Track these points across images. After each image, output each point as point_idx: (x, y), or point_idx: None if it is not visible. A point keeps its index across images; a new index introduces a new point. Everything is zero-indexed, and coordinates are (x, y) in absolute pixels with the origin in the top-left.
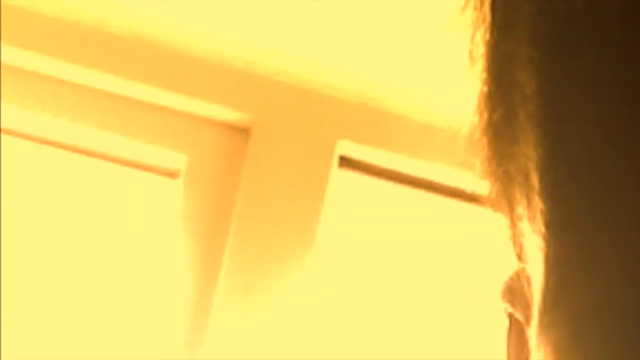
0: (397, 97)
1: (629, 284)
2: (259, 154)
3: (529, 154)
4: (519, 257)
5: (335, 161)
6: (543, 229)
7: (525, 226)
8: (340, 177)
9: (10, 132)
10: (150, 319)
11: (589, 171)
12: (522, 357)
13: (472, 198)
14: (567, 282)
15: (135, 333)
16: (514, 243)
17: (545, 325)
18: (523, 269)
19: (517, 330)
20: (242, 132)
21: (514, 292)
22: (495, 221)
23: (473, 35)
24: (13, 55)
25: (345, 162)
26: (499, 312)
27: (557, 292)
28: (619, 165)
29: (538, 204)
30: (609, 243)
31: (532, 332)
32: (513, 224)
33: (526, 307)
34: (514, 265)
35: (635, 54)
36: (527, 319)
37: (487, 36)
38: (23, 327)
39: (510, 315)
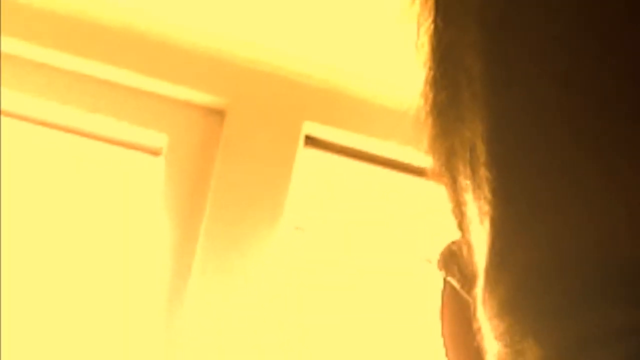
0: (357, 83)
1: (568, 243)
2: (232, 134)
3: (474, 129)
4: (460, 227)
5: (301, 140)
6: (489, 196)
7: (468, 196)
8: (306, 154)
9: (5, 114)
10: (133, 284)
11: (532, 141)
12: (457, 320)
13: (421, 172)
14: (512, 243)
15: (119, 299)
16: (455, 213)
17: (492, 283)
18: (462, 237)
19: (451, 295)
20: (217, 114)
21: (451, 259)
22: (438, 193)
23: (419, 27)
24: (10, 45)
25: (310, 141)
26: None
27: (503, 253)
28: (561, 135)
29: (484, 173)
30: (552, 206)
31: (478, 292)
32: (455, 194)
33: (464, 272)
34: (450, 236)
35: (575, 33)
36: (464, 283)
37: (433, 26)
38: (7, 290)
39: (445, 281)
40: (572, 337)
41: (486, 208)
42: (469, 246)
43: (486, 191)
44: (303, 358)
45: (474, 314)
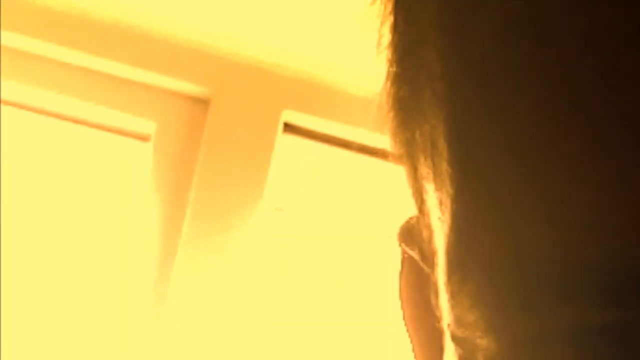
0: (332, 74)
1: (529, 242)
2: (216, 122)
3: (435, 125)
4: (420, 210)
5: (280, 127)
6: (451, 191)
7: (428, 185)
8: (284, 141)
9: (3, 102)
10: (123, 260)
11: (493, 142)
12: (416, 293)
13: (388, 156)
14: (473, 239)
15: (110, 275)
16: (415, 198)
17: (452, 276)
18: (422, 220)
19: (411, 268)
20: (202, 103)
21: (410, 233)
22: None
23: (382, 25)
24: (8, 38)
25: (289, 128)
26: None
27: (464, 248)
28: (520, 136)
29: (446, 168)
30: (513, 206)
31: (439, 275)
32: (416, 181)
33: (422, 249)
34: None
35: (529, 37)
36: (423, 257)
37: (394, 25)
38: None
39: (404, 255)
40: (527, 333)
41: (447, 201)
42: (429, 229)
43: (448, 186)
44: (284, 330)
45: (434, 290)
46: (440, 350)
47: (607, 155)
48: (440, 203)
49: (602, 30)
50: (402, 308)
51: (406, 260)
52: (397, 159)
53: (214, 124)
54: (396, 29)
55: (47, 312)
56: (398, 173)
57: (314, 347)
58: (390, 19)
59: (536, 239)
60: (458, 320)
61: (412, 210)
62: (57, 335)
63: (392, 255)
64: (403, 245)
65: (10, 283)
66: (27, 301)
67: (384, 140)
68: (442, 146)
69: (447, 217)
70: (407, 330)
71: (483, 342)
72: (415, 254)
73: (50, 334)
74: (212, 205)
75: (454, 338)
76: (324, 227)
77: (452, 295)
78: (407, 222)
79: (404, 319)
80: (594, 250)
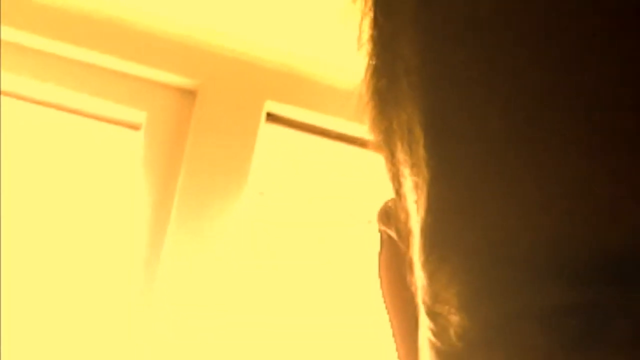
0: (312, 67)
1: (502, 226)
2: (203, 111)
3: (411, 114)
4: (397, 194)
5: (263, 117)
6: (427, 175)
7: (405, 170)
8: (267, 129)
9: (3, 93)
10: (115, 240)
11: (466, 130)
12: (394, 270)
13: (365, 144)
14: (447, 222)
15: (103, 255)
16: (393, 182)
17: (435, 259)
18: (399, 203)
19: (389, 247)
20: (190, 94)
21: (388, 214)
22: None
23: (361, 22)
24: (8, 33)
25: (271, 117)
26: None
27: (438, 231)
28: (492, 125)
29: (422, 154)
30: (486, 191)
31: (414, 255)
32: (393, 167)
33: (399, 229)
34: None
35: (502, 30)
36: (400, 237)
37: (373, 21)
38: None
39: (383, 235)
40: (499, 312)
41: (423, 185)
42: (405, 211)
43: (424, 170)
44: (269, 309)
45: (409, 268)
46: (415, 325)
47: (572, 143)
48: (416, 186)
49: (569, 22)
50: (381, 285)
51: (385, 240)
52: (376, 147)
53: (200, 113)
54: (375, 24)
55: (40, 293)
56: (376, 160)
57: (297, 324)
58: (370, 15)
59: (507, 222)
60: (434, 297)
61: (389, 194)
62: (48, 314)
63: (369, 237)
64: (382, 225)
65: (7, 261)
66: (22, 282)
67: (362, 129)
68: (418, 133)
69: (422, 200)
70: (385, 306)
71: (456, 318)
72: (393, 234)
73: (42, 314)
74: (199, 189)
75: (429, 313)
76: (304, 210)
77: (429, 274)
78: (386, 204)
79: (382, 296)
80: (562, 232)
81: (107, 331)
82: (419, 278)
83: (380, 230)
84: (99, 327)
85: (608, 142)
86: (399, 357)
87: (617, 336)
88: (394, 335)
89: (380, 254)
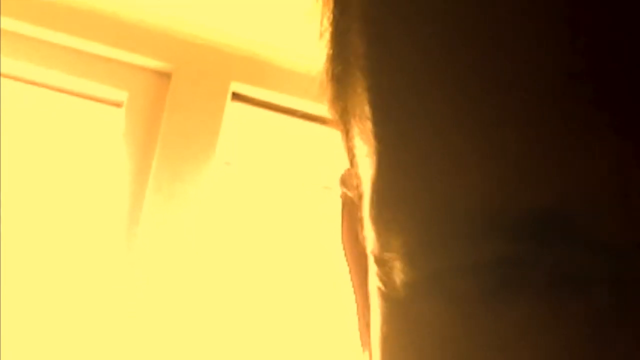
0: (272, 52)
1: (440, 187)
2: (177, 91)
3: (361, 94)
4: (351, 163)
5: (229, 96)
6: (375, 144)
7: (357, 142)
8: (233, 107)
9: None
10: (98, 206)
11: (407, 103)
12: (352, 228)
13: (323, 121)
14: (395, 182)
15: (87, 220)
16: (347, 153)
17: (384, 214)
18: (353, 171)
19: (347, 208)
20: (165, 76)
21: (347, 181)
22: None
23: (322, 16)
24: (5, 22)
25: (236, 96)
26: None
27: (389, 189)
28: (431, 93)
29: (370, 127)
30: (427, 157)
31: (364, 213)
32: (348, 140)
33: (354, 192)
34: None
35: (436, 19)
36: (358, 198)
37: (330, 17)
38: None
39: (344, 197)
40: (438, 264)
41: (372, 153)
42: (358, 178)
43: (372, 140)
44: (233, 258)
45: (361, 224)
46: (365, 273)
47: (501, 116)
48: (367, 155)
49: (496, 9)
50: (341, 241)
51: (345, 203)
52: (333, 123)
53: (175, 93)
54: (333, 20)
55: (29, 255)
56: (333, 135)
57: (263, 279)
58: (328, 12)
59: (446, 184)
60: (382, 246)
61: (344, 165)
62: (35, 275)
63: (325, 201)
64: (343, 188)
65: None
66: (13, 248)
67: (320, 108)
68: (367, 110)
69: (373, 166)
70: (345, 259)
71: (400, 267)
72: (351, 195)
73: (29, 277)
74: (173, 159)
75: (377, 262)
76: (265, 178)
77: (377, 228)
78: (345, 171)
79: (342, 249)
80: (492, 195)
81: (90, 287)
82: (369, 232)
83: (341, 194)
84: (83, 285)
85: (531, 114)
86: (356, 305)
87: (531, 286)
88: (352, 285)
89: (342, 214)
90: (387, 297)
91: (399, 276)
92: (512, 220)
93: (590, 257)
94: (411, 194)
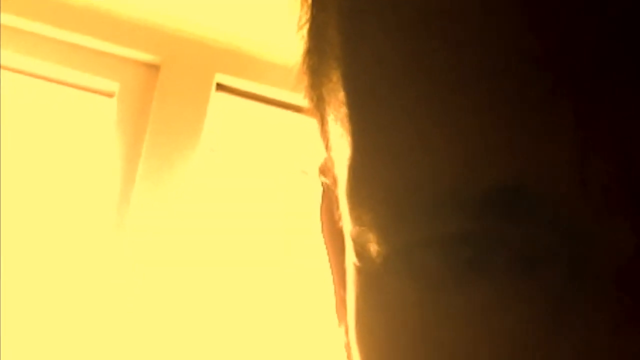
0: (253, 46)
1: (408, 169)
2: (165, 82)
3: (336, 82)
4: (326, 148)
5: (214, 87)
6: (349, 127)
7: (331, 127)
8: (217, 97)
9: (3, 68)
10: (91, 190)
11: (380, 87)
12: (330, 211)
13: (300, 110)
14: (369, 164)
15: (81, 202)
16: (323, 138)
17: (357, 191)
18: (328, 155)
19: (326, 193)
20: (154, 68)
21: (325, 168)
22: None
23: (300, 12)
24: (6, 19)
25: (220, 87)
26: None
27: (362, 168)
28: (401, 81)
29: (345, 112)
30: (397, 136)
31: (340, 194)
32: (323, 126)
33: (333, 177)
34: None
35: (407, 19)
36: (333, 183)
37: (308, 13)
38: None
39: (323, 185)
40: (407, 238)
41: (347, 135)
42: (332, 160)
43: (347, 124)
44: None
45: (337, 204)
46: (342, 249)
47: (466, 102)
48: (341, 137)
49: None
50: (320, 222)
51: (324, 188)
52: (310, 112)
53: (163, 84)
54: (310, 14)
55: (21, 243)
56: (306, 122)
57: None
58: (306, 9)
59: (414, 163)
60: (355, 221)
61: (321, 151)
62: (28, 260)
63: (302, 184)
64: (321, 176)
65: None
66: (8, 231)
67: (298, 97)
68: (342, 96)
69: (347, 148)
70: (323, 239)
71: (374, 237)
72: (328, 181)
73: (21, 262)
74: (162, 145)
75: (352, 236)
76: (247, 163)
77: (353, 204)
78: (324, 159)
79: (320, 230)
80: (459, 172)
81: (83, 266)
82: (344, 209)
83: (320, 181)
84: (75, 266)
85: (494, 99)
86: (333, 283)
87: (495, 267)
88: (330, 264)
89: (321, 199)
90: (362, 272)
91: (373, 250)
92: (476, 197)
93: (550, 237)
94: (383, 172)
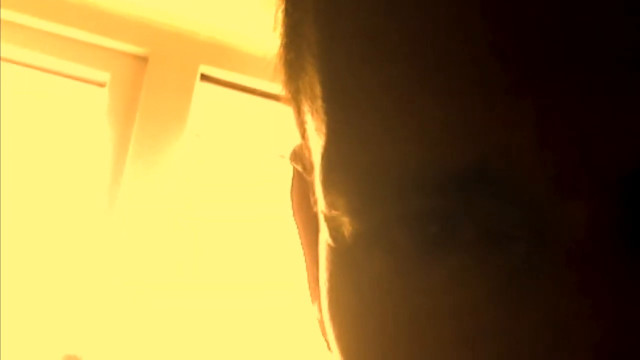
0: (235, 39)
1: (378, 151)
2: (153, 73)
3: (312, 75)
4: (302, 136)
5: (198, 77)
6: (324, 118)
7: (308, 117)
8: (201, 87)
9: (3, 60)
10: (84, 174)
11: (352, 80)
12: (302, 196)
13: (279, 99)
14: (342, 151)
15: (74, 187)
16: (299, 127)
17: (331, 177)
18: (304, 143)
19: (298, 179)
20: (143, 59)
21: (297, 155)
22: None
23: (277, 9)
24: (5, 14)
25: (205, 78)
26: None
27: (335, 155)
28: (370, 74)
29: (320, 104)
30: (367, 125)
31: (316, 178)
32: (300, 116)
33: (305, 164)
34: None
35: (377, 15)
36: (305, 170)
37: (284, 11)
38: None
39: (294, 171)
40: (378, 217)
41: (322, 126)
42: (309, 149)
43: (322, 115)
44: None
45: (311, 189)
46: (316, 232)
47: (428, 88)
48: (317, 129)
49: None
50: (292, 208)
51: (295, 175)
52: (287, 102)
53: (151, 74)
54: (286, 13)
55: (18, 223)
56: (287, 111)
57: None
58: (282, 7)
59: (381, 147)
60: (330, 204)
61: (297, 138)
62: (23, 239)
63: (280, 167)
64: (293, 162)
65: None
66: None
67: (276, 87)
68: (317, 89)
69: (321, 137)
70: (295, 223)
71: (347, 219)
72: (300, 168)
73: (17, 243)
74: (150, 131)
75: (326, 218)
76: (230, 147)
77: (327, 189)
78: (295, 147)
79: (293, 214)
80: (424, 154)
81: (74, 249)
82: (319, 194)
83: (292, 167)
84: (69, 243)
85: (454, 85)
86: (305, 264)
87: (460, 243)
88: (302, 246)
89: (292, 184)
90: (335, 251)
91: (346, 229)
92: (442, 176)
93: (512, 214)
94: (354, 159)
